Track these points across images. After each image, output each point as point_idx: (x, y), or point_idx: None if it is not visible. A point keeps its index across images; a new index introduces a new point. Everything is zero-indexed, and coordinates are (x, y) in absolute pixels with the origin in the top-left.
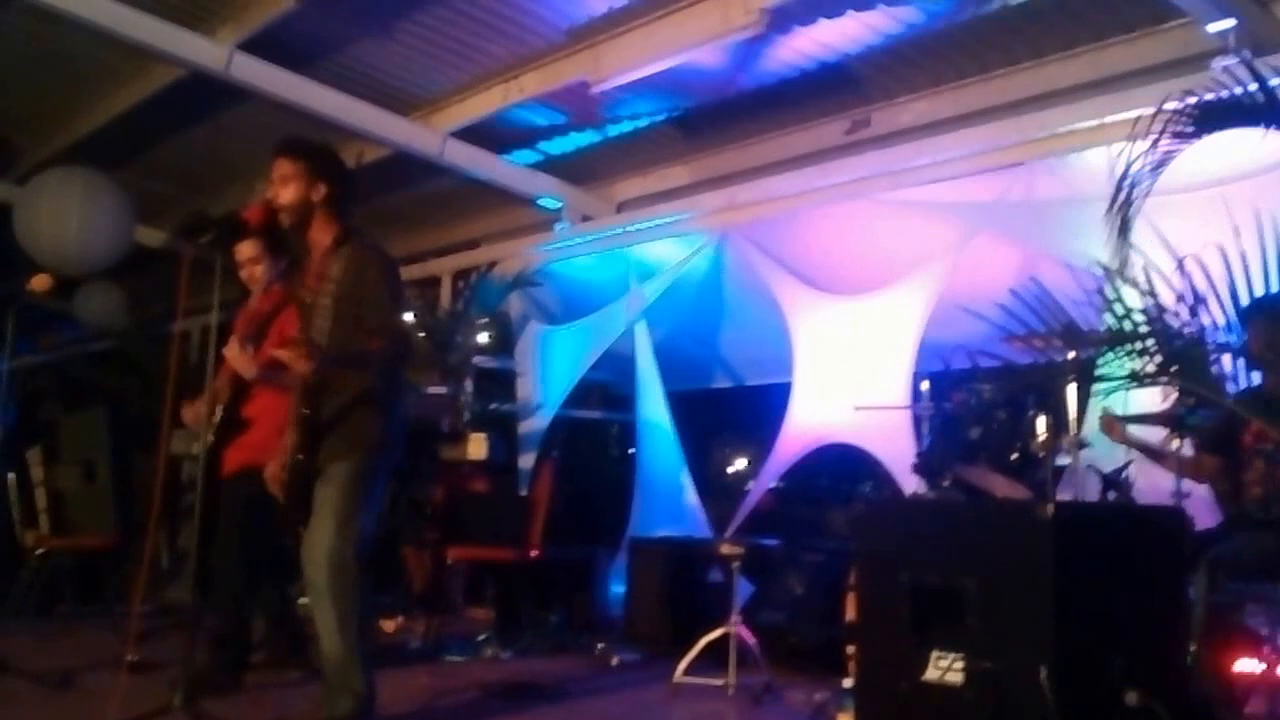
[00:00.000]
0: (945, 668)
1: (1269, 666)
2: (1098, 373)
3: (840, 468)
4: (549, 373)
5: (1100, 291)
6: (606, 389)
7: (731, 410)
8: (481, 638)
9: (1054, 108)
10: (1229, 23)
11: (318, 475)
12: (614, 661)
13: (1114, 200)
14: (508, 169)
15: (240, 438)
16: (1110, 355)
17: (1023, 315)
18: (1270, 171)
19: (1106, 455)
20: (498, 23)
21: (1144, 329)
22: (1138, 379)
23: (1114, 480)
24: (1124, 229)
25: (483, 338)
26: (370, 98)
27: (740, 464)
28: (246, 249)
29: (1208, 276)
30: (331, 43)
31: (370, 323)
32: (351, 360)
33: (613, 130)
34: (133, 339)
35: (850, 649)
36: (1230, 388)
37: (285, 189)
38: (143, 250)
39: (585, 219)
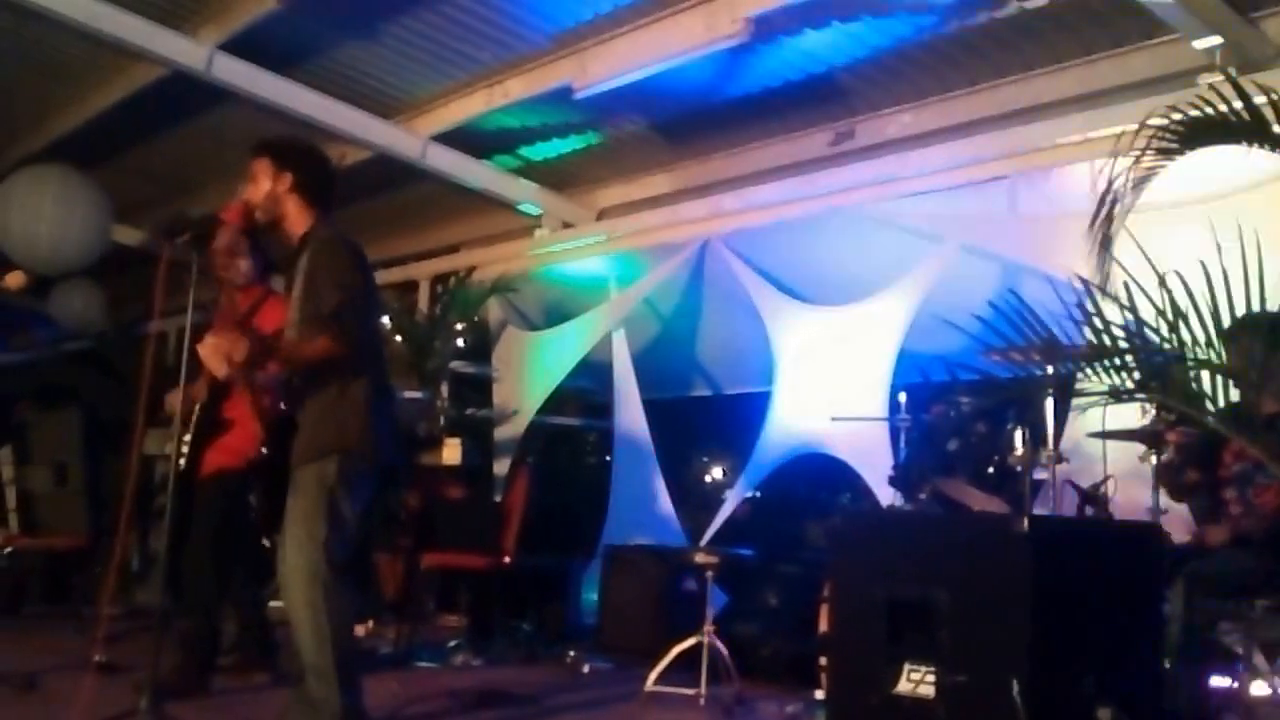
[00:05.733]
0: (918, 681)
1: (1243, 684)
2: (1077, 387)
3: (818, 479)
4: (526, 379)
5: (1080, 306)
6: (584, 396)
7: (709, 419)
8: (453, 645)
9: (1039, 122)
10: (1215, 39)
11: (288, 477)
12: (586, 670)
13: (1096, 215)
14: (489, 174)
15: (218, 439)
16: (1089, 370)
17: (1002, 329)
18: (1254, 189)
19: (1084, 470)
20: (482, 27)
21: (1123, 344)
22: (1116, 394)
23: (1091, 495)
24: (1105, 244)
25: (460, 343)
26: (352, 100)
27: (717, 473)
28: (223, 236)
29: (1189, 292)
30: (314, 44)
31: (324, 312)
32: (288, 362)
33: (595, 137)
34: (109, 340)
35: (823, 660)
36: (1209, 405)
37: (255, 186)
38: (122, 250)
39: (566, 226)
